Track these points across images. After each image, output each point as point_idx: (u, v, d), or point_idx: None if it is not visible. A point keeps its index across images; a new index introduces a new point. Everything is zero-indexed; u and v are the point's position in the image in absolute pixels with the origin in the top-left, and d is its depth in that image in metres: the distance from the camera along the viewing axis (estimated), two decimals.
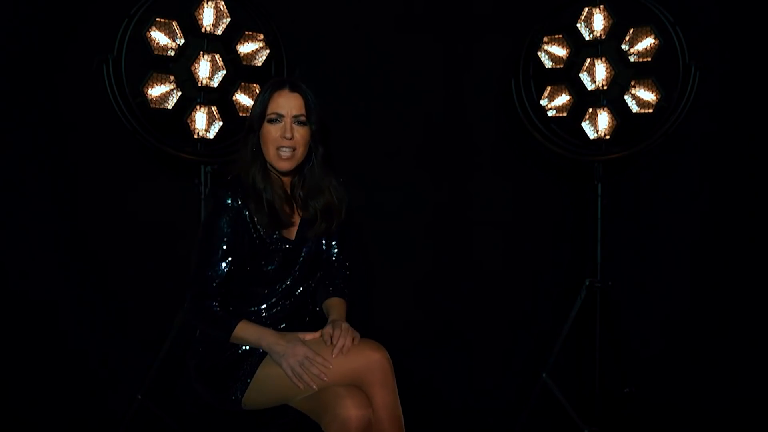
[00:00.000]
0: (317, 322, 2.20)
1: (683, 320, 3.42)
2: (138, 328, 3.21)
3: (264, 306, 2.15)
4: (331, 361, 1.95)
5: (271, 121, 2.14)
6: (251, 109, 2.24)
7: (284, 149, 2.13)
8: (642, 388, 3.27)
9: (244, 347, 2.07)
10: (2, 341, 3.09)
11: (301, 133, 2.15)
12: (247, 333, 2.05)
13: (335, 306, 2.21)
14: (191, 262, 2.14)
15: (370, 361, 1.95)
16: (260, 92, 2.23)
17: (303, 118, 2.15)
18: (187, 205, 3.08)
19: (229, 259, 2.09)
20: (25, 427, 3.08)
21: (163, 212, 3.21)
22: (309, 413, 1.98)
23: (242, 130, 2.24)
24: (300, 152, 2.16)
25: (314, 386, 1.94)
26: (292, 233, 2.20)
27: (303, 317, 2.21)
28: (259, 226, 2.12)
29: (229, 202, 2.10)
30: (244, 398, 2.01)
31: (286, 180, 2.23)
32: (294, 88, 2.17)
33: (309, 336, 2.05)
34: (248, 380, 2.01)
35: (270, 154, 2.15)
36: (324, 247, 2.28)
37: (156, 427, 3.02)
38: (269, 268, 2.13)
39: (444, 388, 3.47)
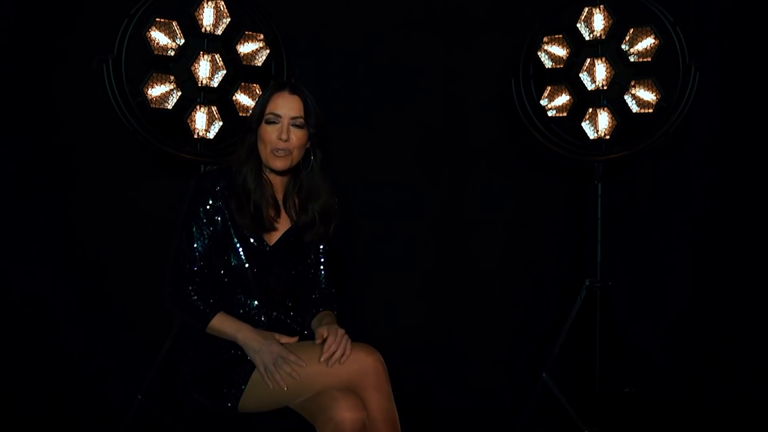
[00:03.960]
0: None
1: (683, 320, 3.42)
2: (138, 328, 3.21)
3: (242, 312, 2.15)
4: (305, 362, 1.95)
5: (268, 121, 2.14)
6: (252, 110, 2.24)
7: (279, 150, 2.13)
8: (642, 388, 3.27)
9: (236, 352, 2.07)
10: (2, 341, 3.09)
11: (297, 136, 2.14)
12: (225, 325, 2.07)
13: (327, 315, 2.19)
14: (171, 247, 2.16)
15: (364, 365, 1.95)
16: (262, 93, 2.23)
17: (300, 121, 2.14)
18: None
19: (206, 243, 2.12)
20: (25, 427, 3.08)
21: (163, 212, 3.20)
22: (305, 415, 1.98)
23: (242, 129, 2.24)
24: (296, 154, 2.15)
25: (284, 386, 1.94)
26: (272, 238, 2.19)
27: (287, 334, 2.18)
28: (239, 225, 2.13)
29: (217, 189, 2.12)
30: (239, 404, 2.01)
31: (280, 183, 2.23)
32: (294, 91, 2.16)
33: (285, 339, 2.06)
34: (242, 386, 2.00)
35: (265, 153, 2.15)
36: (312, 270, 2.27)
37: (156, 427, 3.03)
38: (234, 263, 2.12)
39: (444, 388, 3.47)
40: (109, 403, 3.14)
